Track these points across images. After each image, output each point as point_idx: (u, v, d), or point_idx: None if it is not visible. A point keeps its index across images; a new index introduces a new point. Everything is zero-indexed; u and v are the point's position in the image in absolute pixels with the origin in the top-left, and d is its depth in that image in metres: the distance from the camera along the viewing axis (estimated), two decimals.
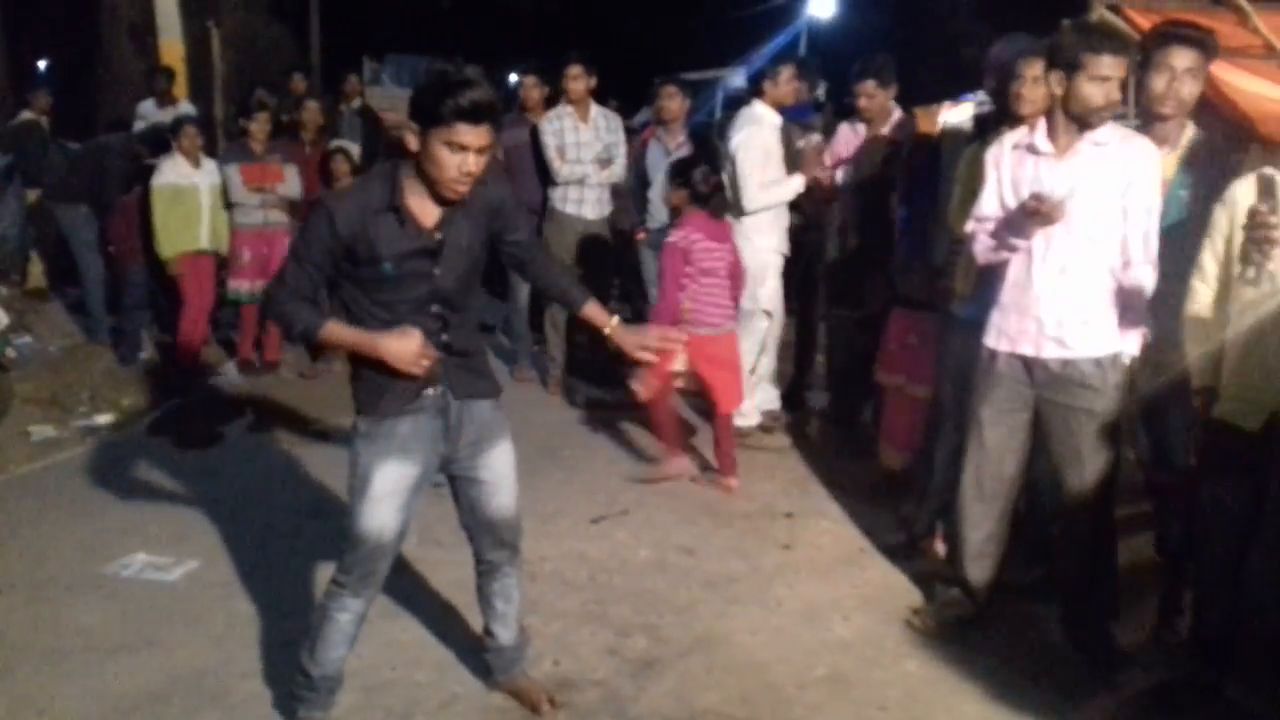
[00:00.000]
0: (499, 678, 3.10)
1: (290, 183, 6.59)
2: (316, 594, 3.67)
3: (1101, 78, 3.02)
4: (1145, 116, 3.41)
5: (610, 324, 2.89)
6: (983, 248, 3.33)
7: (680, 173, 4.88)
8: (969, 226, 3.40)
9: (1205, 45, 3.27)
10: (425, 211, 2.61)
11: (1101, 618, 3.35)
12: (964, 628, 3.53)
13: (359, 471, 2.68)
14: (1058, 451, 3.29)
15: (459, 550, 3.20)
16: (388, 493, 2.67)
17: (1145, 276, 3.11)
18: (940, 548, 3.99)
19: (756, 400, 5.47)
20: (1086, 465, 3.23)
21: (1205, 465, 3.15)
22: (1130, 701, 3.17)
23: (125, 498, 4.61)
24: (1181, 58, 3.24)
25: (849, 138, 5.45)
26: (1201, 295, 3.05)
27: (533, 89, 6.54)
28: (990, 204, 3.32)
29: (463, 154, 2.48)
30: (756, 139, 5.23)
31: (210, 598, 3.70)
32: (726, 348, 4.84)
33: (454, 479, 2.86)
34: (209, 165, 6.47)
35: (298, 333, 2.64)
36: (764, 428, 5.52)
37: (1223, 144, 3.45)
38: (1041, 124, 3.21)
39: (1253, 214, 2.75)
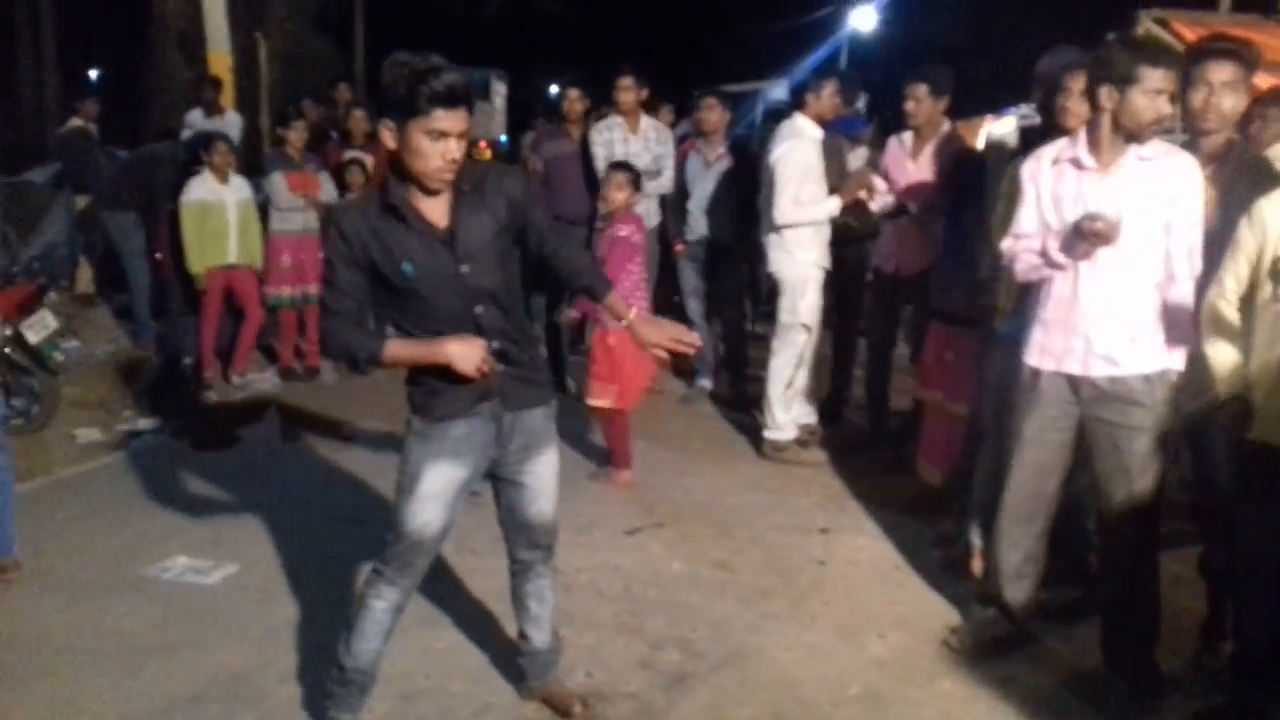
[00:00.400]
0: (532, 683, 3.11)
1: (326, 189, 6.72)
2: (349, 597, 3.71)
3: (1155, 91, 2.97)
4: (1191, 132, 3.37)
5: (629, 315, 2.83)
6: (1023, 265, 3.28)
7: (627, 170, 4.96)
8: (1005, 244, 3.36)
9: (1243, 58, 3.22)
10: (429, 208, 2.58)
11: (1143, 640, 3.29)
12: (1001, 648, 3.48)
13: (409, 469, 2.70)
14: (1104, 470, 3.24)
15: (495, 559, 3.22)
16: (435, 493, 2.68)
17: (1190, 293, 3.07)
18: (978, 566, 3.95)
19: (793, 414, 5.42)
20: (1134, 483, 3.17)
21: (1243, 486, 3.10)
22: None
23: (167, 501, 4.67)
24: (1219, 71, 3.19)
25: (896, 152, 5.42)
26: (1221, 309, 3.00)
27: (576, 101, 6.56)
28: (1029, 220, 3.27)
29: (444, 140, 2.45)
30: (796, 153, 5.17)
31: (248, 601, 3.74)
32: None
33: (497, 480, 2.87)
34: (237, 181, 6.55)
35: (361, 360, 2.63)
36: (800, 442, 5.47)
37: (1261, 159, 3.40)
38: (1083, 137, 3.16)
39: None
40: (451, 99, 2.42)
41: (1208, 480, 3.50)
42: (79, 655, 3.37)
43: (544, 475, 2.86)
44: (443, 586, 3.76)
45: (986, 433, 4.04)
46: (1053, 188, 3.21)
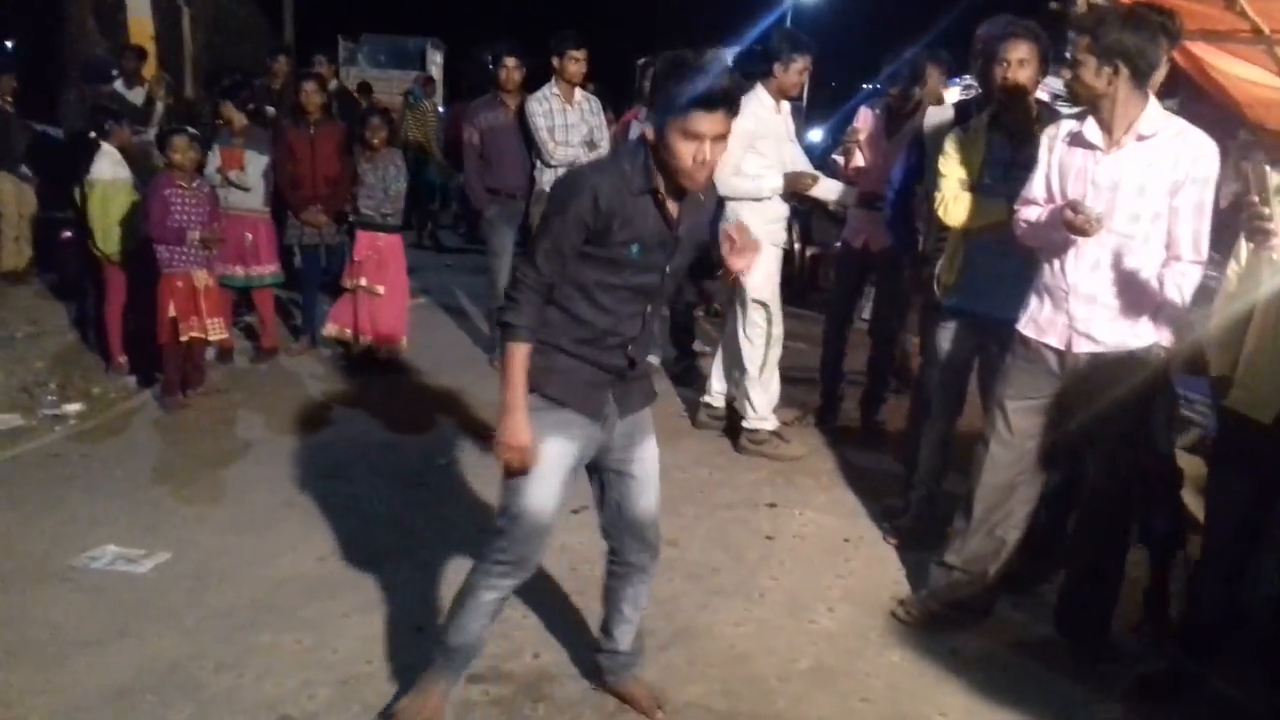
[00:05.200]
0: (609, 679, 3.04)
1: (250, 168, 6.33)
2: (289, 584, 3.63)
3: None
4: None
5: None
6: (1023, 231, 3.29)
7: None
8: (1016, 206, 3.34)
9: (1166, 30, 3.21)
10: (670, 203, 2.57)
11: (1102, 610, 3.32)
12: (951, 619, 3.50)
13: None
14: (1081, 442, 3.25)
15: (438, 543, 3.13)
16: (552, 469, 2.60)
17: (1191, 274, 3.05)
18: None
19: (770, 396, 5.18)
20: (1113, 457, 3.19)
21: (1217, 453, 3.14)
22: (1117, 692, 3.16)
23: (95, 488, 4.51)
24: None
25: (872, 126, 5.40)
26: (1231, 285, 3.02)
27: (514, 70, 6.40)
28: (1037, 187, 3.27)
29: (698, 142, 2.41)
30: (741, 123, 4.99)
31: (182, 590, 3.62)
32: None
33: (603, 475, 2.79)
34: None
35: (508, 324, 2.54)
36: (779, 434, 5.20)
37: (1208, 129, 3.41)
38: (1091, 115, 3.12)
39: (1246, 205, 2.72)
40: (710, 102, 2.38)
41: (1150, 444, 3.54)
42: (3, 649, 3.23)
43: (649, 466, 2.80)
44: (392, 570, 3.69)
45: (932, 404, 4.06)
46: (1062, 159, 3.20)
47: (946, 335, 3.94)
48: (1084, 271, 3.12)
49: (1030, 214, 3.25)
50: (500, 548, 2.67)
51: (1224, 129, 3.60)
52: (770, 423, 5.15)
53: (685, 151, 2.43)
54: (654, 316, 2.70)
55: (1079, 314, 3.14)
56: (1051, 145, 3.24)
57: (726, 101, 2.42)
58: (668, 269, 2.61)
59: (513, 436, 2.55)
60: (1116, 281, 3.09)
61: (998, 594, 3.54)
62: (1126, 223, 3.04)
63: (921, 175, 4.32)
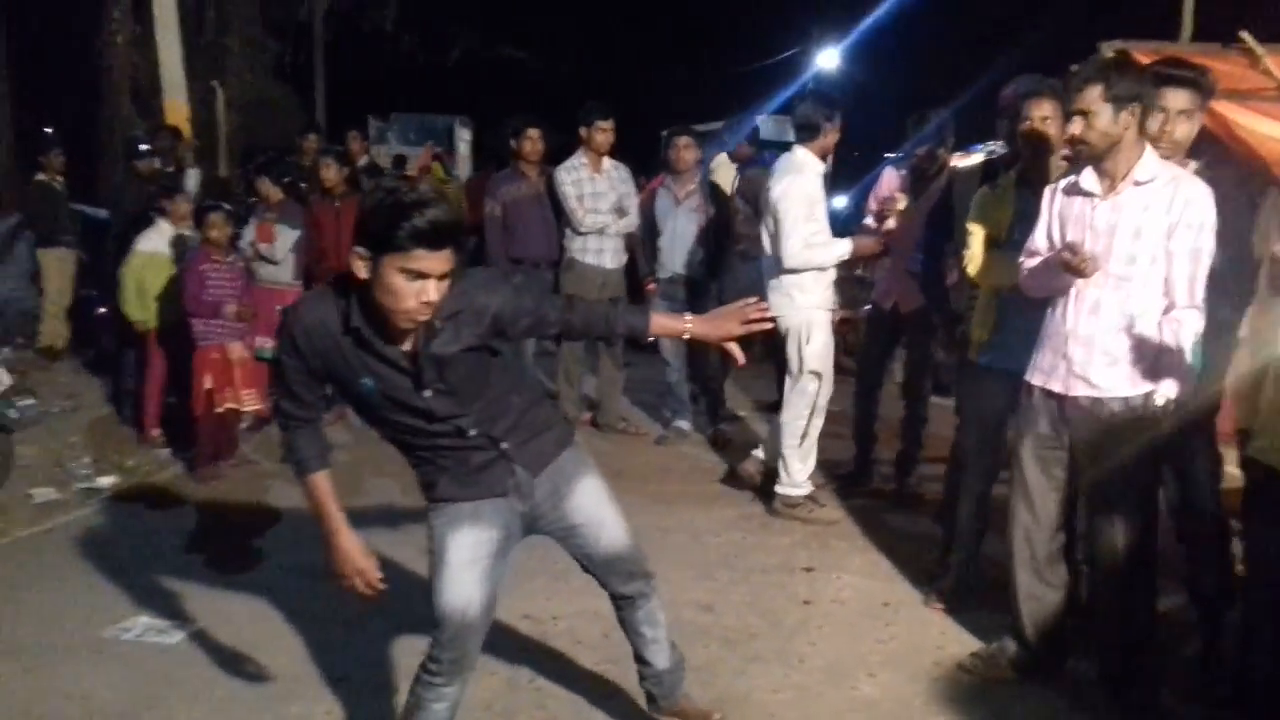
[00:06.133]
0: (662, 704, 2.98)
1: (279, 243, 6.41)
2: (318, 657, 3.59)
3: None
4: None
5: (687, 326, 2.64)
6: (1026, 281, 3.30)
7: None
8: (1020, 259, 3.35)
9: (1199, 85, 3.24)
10: (395, 336, 2.37)
11: (1142, 669, 3.22)
12: (1015, 677, 3.42)
13: (434, 544, 2.56)
14: (1088, 494, 3.20)
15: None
16: (466, 561, 2.51)
17: (1189, 320, 3.03)
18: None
19: (808, 465, 5.04)
20: (1115, 509, 3.13)
21: (1246, 506, 3.07)
22: None
23: (128, 561, 4.50)
24: (1175, 99, 3.22)
25: (893, 181, 5.43)
26: (1245, 338, 2.99)
27: (536, 141, 6.50)
28: (1040, 239, 3.29)
29: (422, 281, 2.23)
30: (797, 189, 4.87)
31: (211, 662, 3.58)
32: None
33: (553, 536, 2.72)
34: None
35: (294, 463, 2.56)
36: (814, 498, 5.08)
37: (1234, 189, 3.40)
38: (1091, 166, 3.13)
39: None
40: (437, 238, 2.21)
41: (1194, 506, 3.48)
42: None
43: (590, 507, 2.67)
44: (423, 638, 3.64)
45: (969, 465, 4.00)
46: (1061, 209, 3.22)
47: (980, 393, 3.89)
48: (1083, 315, 3.11)
49: (1032, 264, 3.27)
50: (432, 654, 2.57)
51: (1249, 188, 3.58)
52: (805, 488, 5.04)
53: (408, 291, 2.22)
54: (466, 422, 2.49)
55: (1077, 357, 3.12)
56: (1052, 197, 3.27)
57: (454, 236, 2.27)
58: (426, 395, 2.41)
59: (342, 565, 2.55)
60: (1114, 325, 3.07)
61: (1055, 652, 3.45)
62: (1123, 265, 3.05)
63: (951, 234, 4.32)
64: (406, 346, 2.39)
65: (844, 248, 4.97)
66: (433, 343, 2.38)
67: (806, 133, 4.96)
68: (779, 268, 4.94)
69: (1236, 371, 3.14)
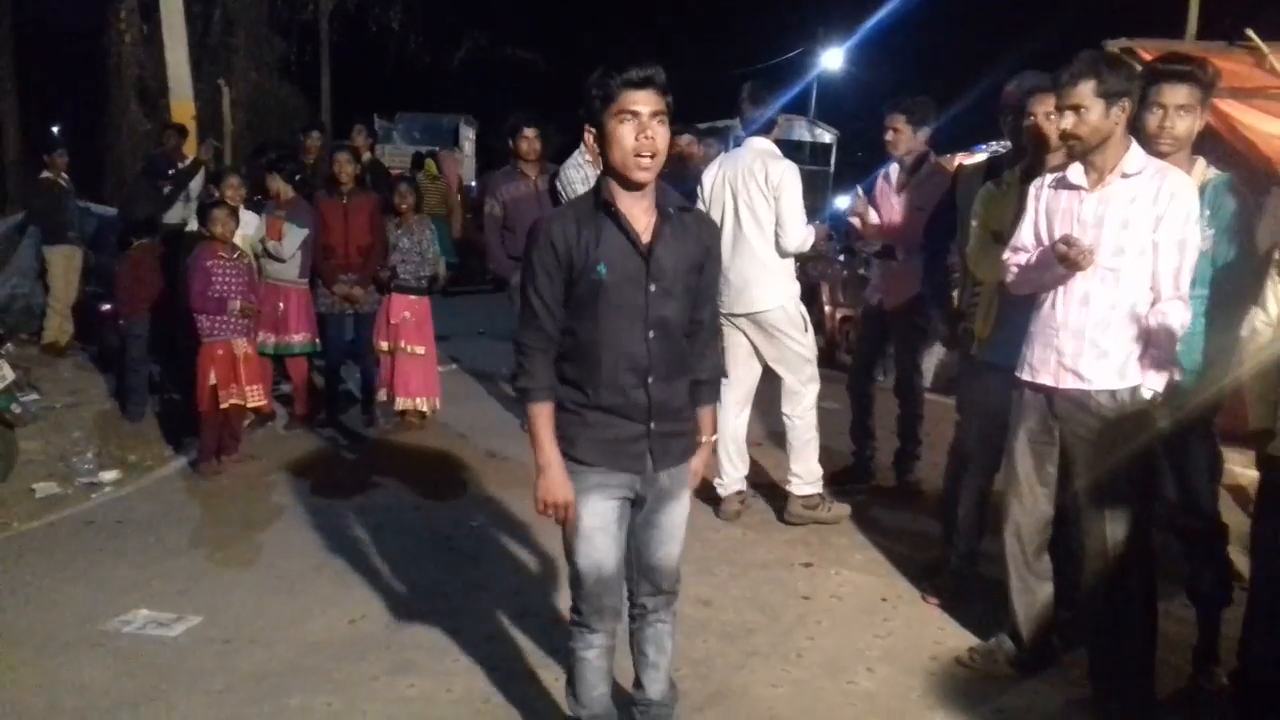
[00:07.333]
0: None
1: (286, 241, 6.40)
2: (320, 646, 3.60)
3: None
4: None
5: (709, 438, 2.85)
6: (1013, 278, 3.31)
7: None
8: (1005, 255, 3.35)
9: (1199, 80, 3.23)
10: (635, 215, 2.55)
11: (1133, 667, 3.21)
12: (1014, 671, 3.43)
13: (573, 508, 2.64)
14: (1079, 487, 3.20)
15: (470, 605, 3.09)
16: (598, 527, 2.64)
17: (1175, 312, 3.03)
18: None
19: (812, 464, 4.96)
20: (1105, 503, 3.13)
21: (1260, 504, 3.06)
22: None
23: (128, 554, 4.52)
24: (1174, 94, 3.21)
25: (883, 185, 5.42)
26: (1264, 337, 2.98)
27: (536, 140, 6.45)
28: (1026, 234, 3.29)
29: (636, 120, 2.44)
30: (794, 172, 4.81)
31: (211, 654, 3.59)
32: None
33: (631, 519, 2.78)
34: (246, 217, 6.31)
35: (523, 388, 2.61)
36: (824, 496, 4.97)
37: (1240, 185, 3.39)
38: (1079, 160, 3.15)
39: None
40: (640, 81, 2.44)
41: (1192, 503, 3.46)
42: (34, 713, 3.21)
43: (676, 519, 2.79)
44: (423, 632, 3.65)
45: (970, 460, 3.99)
46: (1048, 204, 3.23)
47: (982, 389, 3.88)
48: (1073, 307, 3.12)
49: (1021, 259, 3.27)
50: (576, 607, 2.74)
51: (1253, 188, 3.57)
52: (819, 485, 4.96)
53: (626, 133, 2.44)
54: (665, 345, 2.61)
55: (1067, 349, 3.12)
56: (1038, 193, 3.28)
57: (657, 82, 2.46)
58: (651, 288, 2.55)
59: (548, 494, 2.59)
60: (1103, 317, 3.08)
61: (1051, 645, 3.46)
62: (1111, 256, 3.05)
63: (955, 232, 4.32)
64: (646, 238, 2.56)
65: (817, 229, 5.01)
66: (665, 230, 2.56)
67: (769, 125, 5.03)
68: (778, 253, 4.84)
69: (1247, 371, 3.11)
